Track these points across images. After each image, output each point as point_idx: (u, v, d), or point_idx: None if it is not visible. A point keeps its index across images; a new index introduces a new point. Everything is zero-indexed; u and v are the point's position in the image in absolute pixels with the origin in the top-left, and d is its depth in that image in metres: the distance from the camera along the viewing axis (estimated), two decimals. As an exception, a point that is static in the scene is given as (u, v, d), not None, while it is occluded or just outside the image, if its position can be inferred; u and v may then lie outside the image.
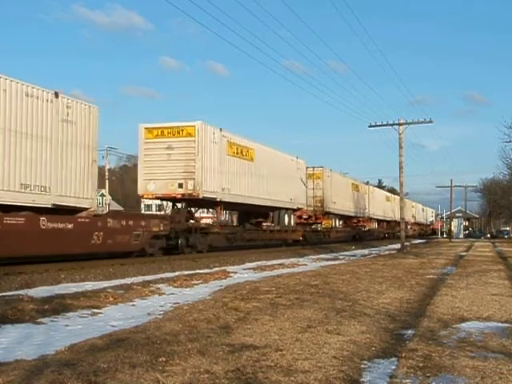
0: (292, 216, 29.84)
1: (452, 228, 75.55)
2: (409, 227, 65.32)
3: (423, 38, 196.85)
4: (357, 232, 45.53)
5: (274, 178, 26.52)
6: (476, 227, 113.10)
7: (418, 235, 73.35)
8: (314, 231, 35.27)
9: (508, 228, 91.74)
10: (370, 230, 49.43)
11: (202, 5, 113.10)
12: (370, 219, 49.02)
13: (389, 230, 58.66)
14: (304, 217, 33.71)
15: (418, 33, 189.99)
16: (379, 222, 53.58)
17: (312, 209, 34.00)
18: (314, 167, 34.56)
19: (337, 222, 38.42)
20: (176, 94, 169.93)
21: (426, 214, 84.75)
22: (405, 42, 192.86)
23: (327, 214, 35.90)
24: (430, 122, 31.07)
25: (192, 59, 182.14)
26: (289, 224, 29.40)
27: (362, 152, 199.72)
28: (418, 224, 76.61)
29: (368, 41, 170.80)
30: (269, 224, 28.05)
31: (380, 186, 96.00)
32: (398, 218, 55.49)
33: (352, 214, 42.25)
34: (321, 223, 36.16)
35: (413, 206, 71.93)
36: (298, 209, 30.88)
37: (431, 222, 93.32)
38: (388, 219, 56.19)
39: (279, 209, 28.09)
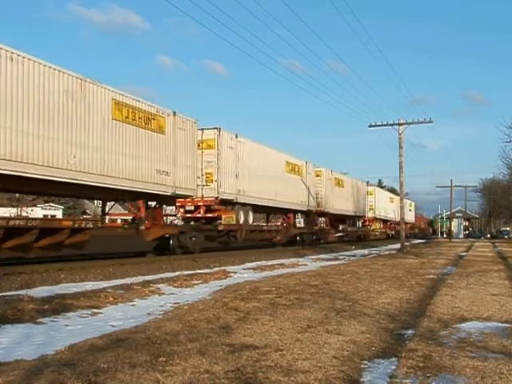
0: None
1: (452, 228, 75.56)
2: (360, 224, 47.00)
3: (423, 38, 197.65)
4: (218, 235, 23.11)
5: None
6: (476, 227, 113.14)
7: (379, 236, 52.17)
8: None
9: (508, 228, 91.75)
10: (271, 229, 28.42)
11: (200, 4, 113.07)
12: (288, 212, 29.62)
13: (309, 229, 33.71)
14: None
15: (418, 33, 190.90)
16: (292, 213, 31.68)
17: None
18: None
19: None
20: (175, 94, 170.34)
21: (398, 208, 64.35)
22: (405, 42, 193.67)
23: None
24: (430, 121, 31.14)
25: (190, 58, 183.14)
26: None
27: (361, 152, 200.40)
28: (384, 221, 54.50)
29: (368, 41, 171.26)
30: None
31: (380, 185, 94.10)
32: (316, 206, 32.93)
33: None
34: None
35: (370, 193, 48.51)
36: None
37: (433, 221, 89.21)
38: (297, 208, 31.30)
39: None
